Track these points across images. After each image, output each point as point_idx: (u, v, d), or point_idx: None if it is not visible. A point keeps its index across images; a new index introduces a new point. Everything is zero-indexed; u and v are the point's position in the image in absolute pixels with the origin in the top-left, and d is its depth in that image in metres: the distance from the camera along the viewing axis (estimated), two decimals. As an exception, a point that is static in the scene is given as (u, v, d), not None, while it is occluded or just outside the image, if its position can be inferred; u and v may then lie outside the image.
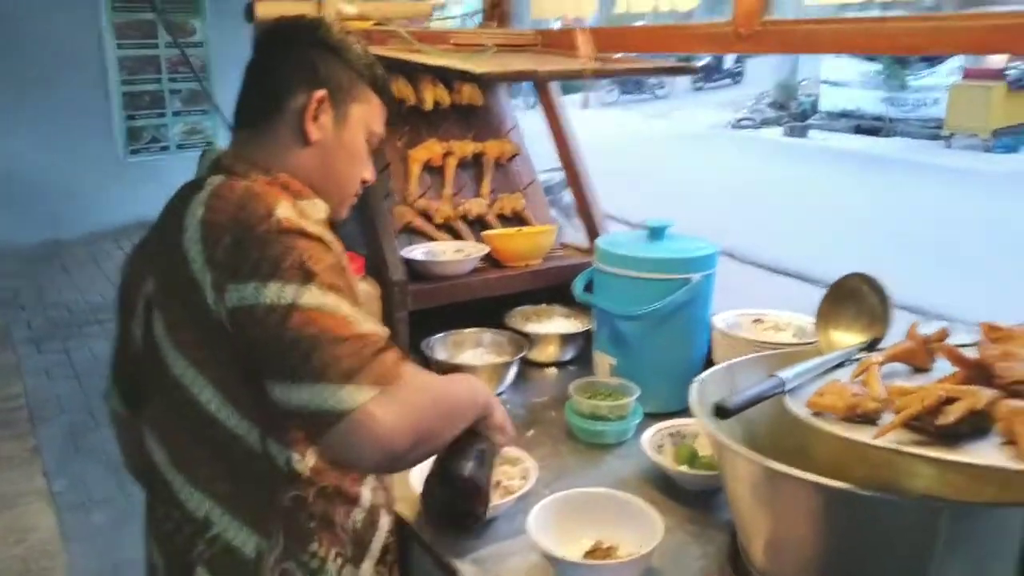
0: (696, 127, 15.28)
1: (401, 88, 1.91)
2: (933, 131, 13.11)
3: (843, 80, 14.63)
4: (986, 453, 0.84)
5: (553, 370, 1.98)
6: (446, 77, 1.89)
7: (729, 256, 7.13)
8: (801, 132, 14.34)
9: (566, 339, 1.97)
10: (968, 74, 12.63)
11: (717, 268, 1.70)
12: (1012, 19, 1.21)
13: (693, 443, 1.48)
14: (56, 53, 6.09)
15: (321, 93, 1.13)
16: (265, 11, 1.72)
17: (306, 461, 1.05)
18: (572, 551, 1.20)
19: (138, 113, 6.73)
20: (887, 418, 0.93)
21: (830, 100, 15.04)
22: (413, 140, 1.99)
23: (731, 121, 15.61)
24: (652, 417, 1.60)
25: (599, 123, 14.72)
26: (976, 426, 0.87)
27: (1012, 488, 0.80)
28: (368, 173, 1.26)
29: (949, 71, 13.13)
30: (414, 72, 1.90)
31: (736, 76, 19.67)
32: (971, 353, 0.99)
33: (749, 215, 8.36)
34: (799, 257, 6.73)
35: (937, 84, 13.34)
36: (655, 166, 11.00)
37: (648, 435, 1.50)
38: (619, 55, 1.95)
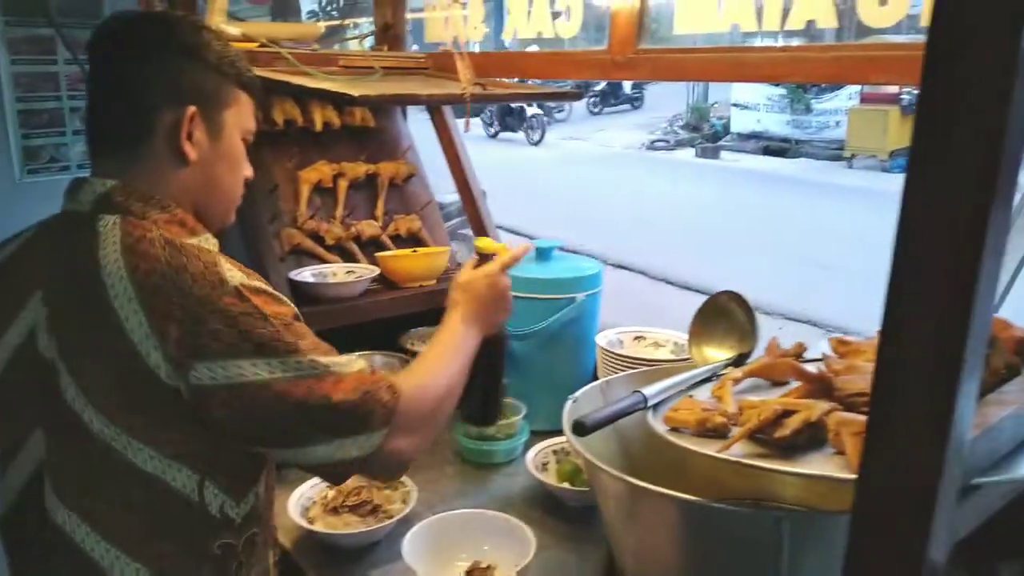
0: (609, 149, 15.56)
1: (289, 110, 1.89)
2: (835, 152, 13.71)
3: (751, 103, 15.18)
4: (818, 463, 0.88)
5: (448, 391, 1.98)
6: (331, 99, 1.88)
7: (642, 274, 7.30)
8: (713, 153, 14.79)
9: (461, 359, 1.98)
10: (865, 98, 13.29)
11: (603, 287, 1.74)
12: (855, 51, 1.29)
13: (576, 460, 1.51)
14: (-57, 68, 5.80)
15: (192, 110, 1.05)
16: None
17: (240, 508, 1.02)
18: (449, 573, 1.20)
19: (35, 132, 6.41)
20: (736, 431, 0.97)
21: (740, 122, 15.58)
22: (303, 161, 1.97)
23: (645, 143, 15.98)
24: (540, 435, 1.62)
25: (504, 146, 14.83)
26: (814, 437, 0.92)
27: (841, 496, 0.84)
28: (249, 171, 1.19)
29: (849, 95, 13.78)
30: (303, 94, 1.89)
31: (635, 101, 19.73)
32: (815, 367, 1.04)
33: (663, 234, 8.57)
34: (710, 273, 6.91)
35: (838, 108, 13.98)
36: (572, 187, 11.15)
37: (532, 453, 1.52)
38: (516, 80, 1.99)
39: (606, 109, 19.46)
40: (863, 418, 0.87)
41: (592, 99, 18.80)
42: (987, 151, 0.44)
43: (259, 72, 1.72)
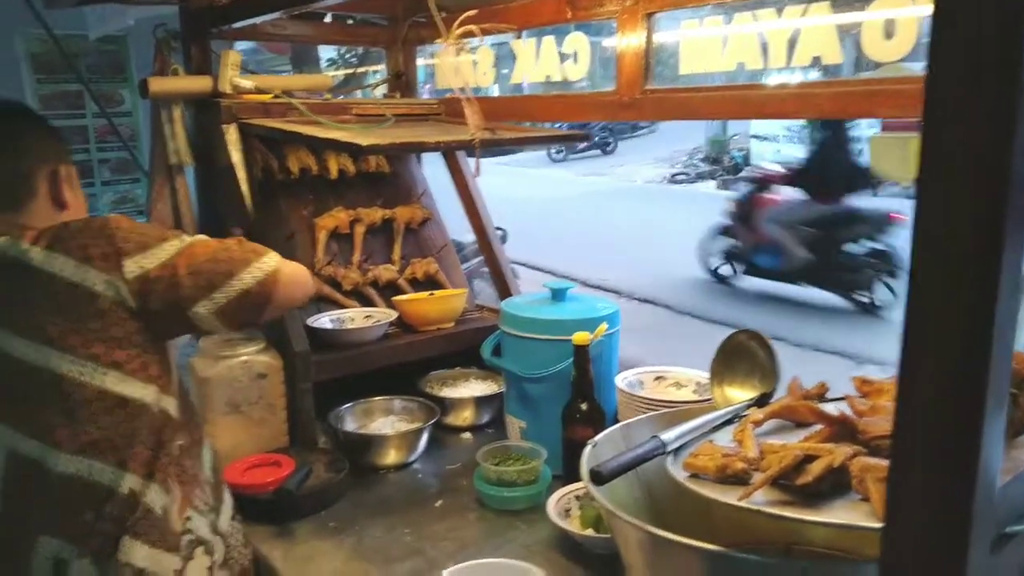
0: (630, 183, 15.56)
1: (303, 158, 1.91)
2: (859, 180, 13.58)
3: (770, 134, 15.14)
4: (843, 509, 0.85)
5: (469, 435, 1.96)
6: (342, 149, 1.90)
7: (667, 308, 7.25)
8: (735, 185, 14.74)
9: (481, 402, 1.96)
10: (886, 126, 13.18)
11: (620, 327, 1.72)
12: (858, 86, 1.28)
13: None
14: (-23, 126, 5.98)
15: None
16: (158, 87, 1.72)
17: None
18: (468, 626, 1.17)
19: (65, 184, 6.50)
20: (757, 478, 0.95)
21: (760, 153, 15.54)
22: (319, 209, 1.99)
23: (666, 176, 15.97)
24: (561, 479, 1.59)
25: (539, 181, 14.92)
26: (838, 483, 0.89)
27: (867, 544, 0.81)
28: None
29: (869, 123, 13.67)
30: (316, 143, 1.91)
31: (606, 147, 18.39)
32: (836, 408, 1.01)
33: (688, 268, 8.52)
34: (738, 308, 6.85)
35: (860, 136, 13.88)
36: (596, 222, 11.18)
37: (555, 499, 1.49)
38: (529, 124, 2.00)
39: (571, 156, 18.02)
40: (887, 463, 0.84)
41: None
42: (995, 178, 0.42)
43: (272, 123, 1.75)
